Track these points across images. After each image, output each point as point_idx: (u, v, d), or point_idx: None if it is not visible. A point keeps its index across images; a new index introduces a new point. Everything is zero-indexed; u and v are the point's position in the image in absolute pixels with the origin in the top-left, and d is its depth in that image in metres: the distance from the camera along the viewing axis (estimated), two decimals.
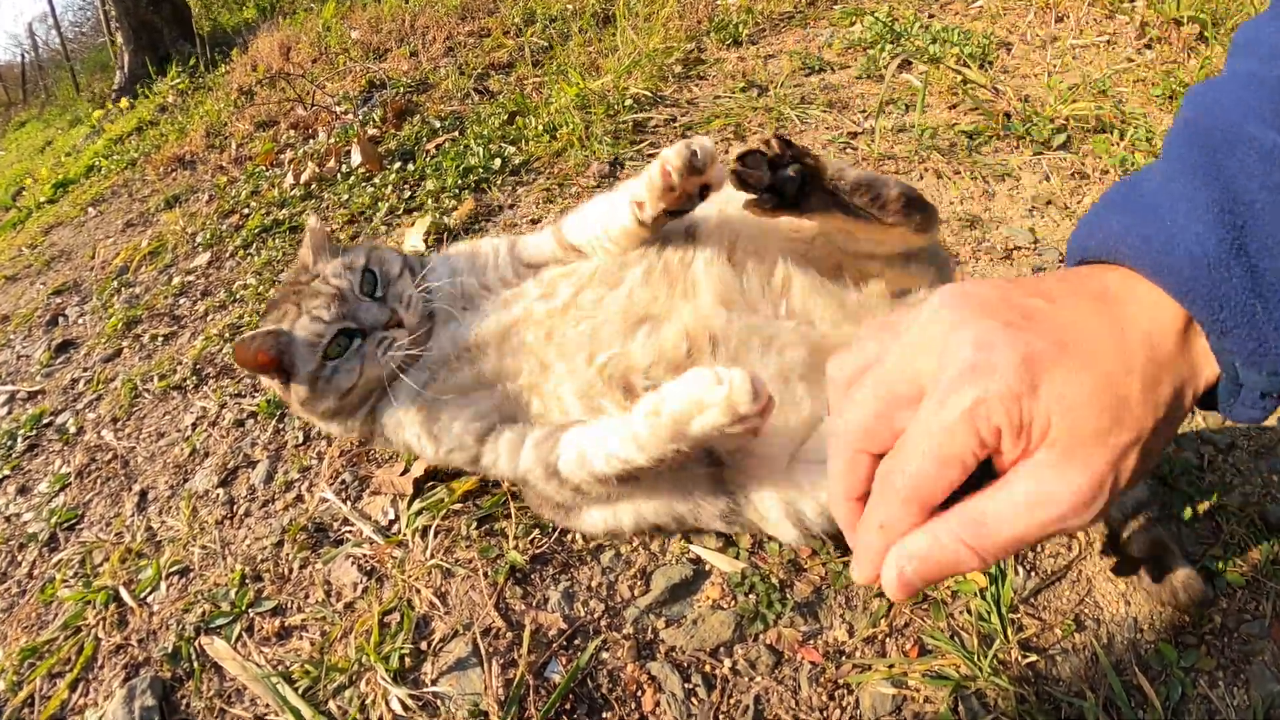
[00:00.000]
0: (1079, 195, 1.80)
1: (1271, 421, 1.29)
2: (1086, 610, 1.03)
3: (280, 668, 1.05)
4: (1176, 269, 0.48)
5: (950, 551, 0.48)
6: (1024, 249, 1.62)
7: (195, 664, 1.12)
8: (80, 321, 2.45)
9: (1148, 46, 2.47)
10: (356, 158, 2.38)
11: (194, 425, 1.62)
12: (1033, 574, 1.07)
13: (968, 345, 0.46)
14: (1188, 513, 1.14)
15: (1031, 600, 1.04)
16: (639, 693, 0.90)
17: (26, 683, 1.21)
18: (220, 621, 1.15)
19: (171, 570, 1.30)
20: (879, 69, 2.28)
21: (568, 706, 0.90)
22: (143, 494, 1.52)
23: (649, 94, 2.28)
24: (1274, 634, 1.04)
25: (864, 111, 2.10)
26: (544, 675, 0.92)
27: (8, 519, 1.65)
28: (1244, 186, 0.47)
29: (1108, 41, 2.50)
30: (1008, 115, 2.06)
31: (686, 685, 0.93)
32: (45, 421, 1.94)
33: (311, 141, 2.78)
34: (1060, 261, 1.59)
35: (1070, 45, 2.48)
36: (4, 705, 1.20)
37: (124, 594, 1.29)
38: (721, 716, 0.89)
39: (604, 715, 0.89)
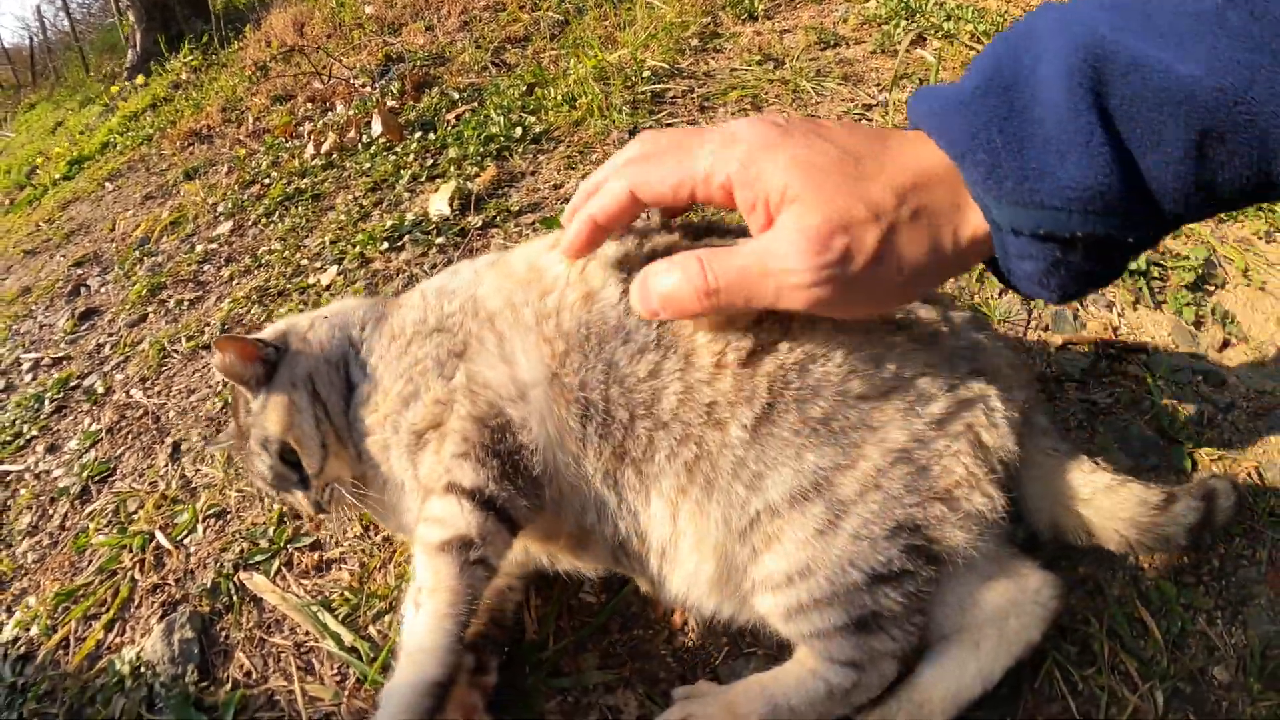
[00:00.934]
0: None
1: (1270, 385, 1.33)
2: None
3: (320, 597, 1.10)
4: (937, 113, 0.61)
5: (691, 259, 0.67)
6: None
7: (234, 598, 1.16)
8: (103, 290, 2.49)
9: None
10: (377, 128, 2.41)
11: (224, 381, 1.66)
12: None
13: (733, 126, 0.66)
14: (1187, 464, 1.18)
15: None
16: (668, 613, 0.95)
17: (61, 626, 1.24)
18: (259, 558, 1.20)
19: (208, 513, 1.34)
20: (893, 44, 2.30)
21: (601, 623, 0.95)
22: (175, 446, 1.56)
23: (666, 66, 2.31)
24: (1270, 579, 1.08)
25: (879, 85, 2.12)
26: (578, 597, 0.96)
27: (37, 476, 1.69)
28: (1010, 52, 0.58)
29: None
30: None
31: None
32: (72, 384, 1.98)
33: (330, 114, 2.81)
34: None
35: None
36: (37, 649, 1.23)
37: (160, 537, 1.33)
38: (744, 632, 0.94)
39: (634, 631, 0.94)
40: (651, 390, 0.85)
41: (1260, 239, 1.64)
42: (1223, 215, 1.70)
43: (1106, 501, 0.95)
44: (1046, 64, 0.55)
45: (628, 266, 0.91)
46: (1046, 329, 1.38)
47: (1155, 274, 1.51)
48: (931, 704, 0.86)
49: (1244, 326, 1.44)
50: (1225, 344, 1.40)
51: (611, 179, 0.73)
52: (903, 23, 2.40)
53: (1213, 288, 1.52)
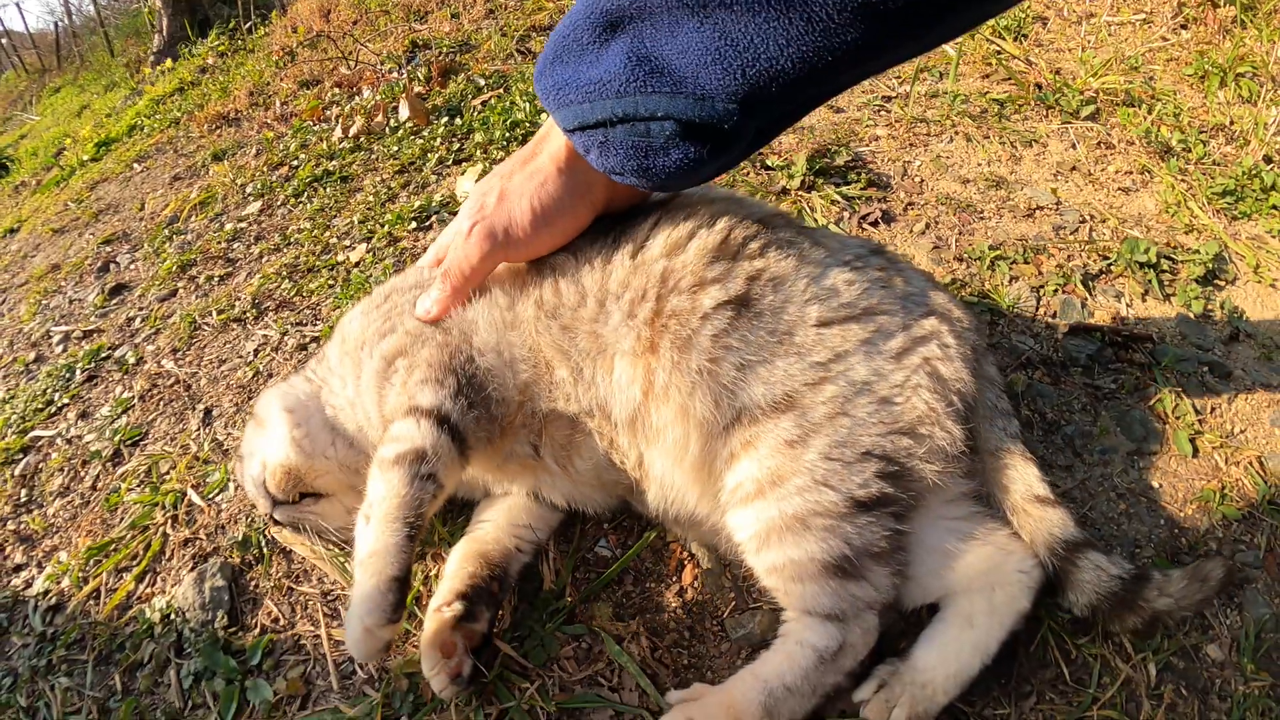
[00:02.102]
0: (1103, 163, 1.85)
1: (1276, 380, 1.35)
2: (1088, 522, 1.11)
3: (348, 549, 1.14)
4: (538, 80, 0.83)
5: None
6: (1046, 208, 1.68)
7: (265, 550, 1.21)
8: (132, 267, 2.54)
9: (1183, 26, 2.49)
10: (404, 112, 2.46)
11: (256, 351, 1.72)
12: None
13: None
14: (1188, 448, 1.21)
15: None
16: (680, 568, 0.99)
17: (92, 578, 1.28)
18: None
19: None
20: None
21: (615, 576, 0.99)
22: (207, 411, 1.61)
23: None
24: (1267, 565, 1.11)
25: (899, 77, 2.15)
26: (594, 550, 1.01)
27: (69, 441, 1.72)
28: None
29: (1144, 20, 2.52)
30: (1039, 86, 2.11)
31: (722, 563, 1.02)
32: (103, 355, 2.02)
33: (357, 98, 2.86)
34: (1082, 222, 1.65)
35: (1105, 21, 2.51)
36: (68, 601, 1.27)
37: (192, 495, 1.37)
38: (750, 588, 0.97)
39: (648, 585, 0.98)
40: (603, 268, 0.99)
41: (1273, 237, 1.66)
42: (1235, 214, 1.72)
43: (1000, 452, 1.01)
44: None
45: None
46: (1054, 316, 1.41)
47: (1165, 267, 1.54)
48: (934, 685, 0.88)
49: (1252, 322, 1.46)
50: (1233, 338, 1.43)
51: None
52: None
53: (1223, 283, 1.55)
